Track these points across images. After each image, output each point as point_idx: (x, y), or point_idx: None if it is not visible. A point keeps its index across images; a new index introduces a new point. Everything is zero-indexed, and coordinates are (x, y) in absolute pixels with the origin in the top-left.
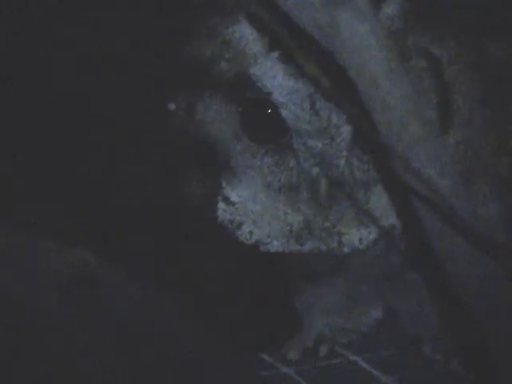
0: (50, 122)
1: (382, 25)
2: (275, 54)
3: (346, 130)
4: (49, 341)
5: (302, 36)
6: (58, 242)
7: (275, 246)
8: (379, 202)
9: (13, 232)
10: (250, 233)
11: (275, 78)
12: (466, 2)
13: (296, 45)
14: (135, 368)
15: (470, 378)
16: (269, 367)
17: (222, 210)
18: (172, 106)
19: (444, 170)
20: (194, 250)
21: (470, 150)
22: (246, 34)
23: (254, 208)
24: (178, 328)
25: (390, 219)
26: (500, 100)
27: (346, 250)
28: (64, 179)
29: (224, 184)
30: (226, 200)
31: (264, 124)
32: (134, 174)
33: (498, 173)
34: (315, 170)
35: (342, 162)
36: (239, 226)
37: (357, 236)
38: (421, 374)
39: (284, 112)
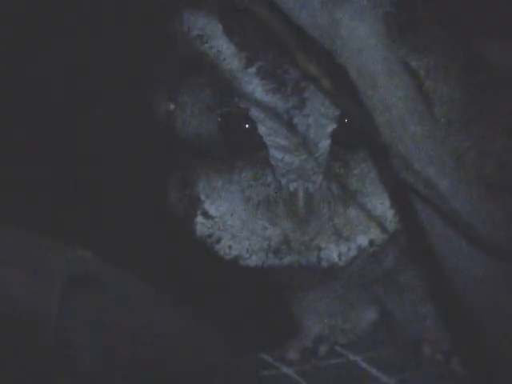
0: (49, 122)
1: (382, 25)
2: (253, 70)
3: (324, 146)
4: (48, 341)
5: (302, 36)
6: (58, 242)
7: (254, 260)
8: (357, 216)
9: (13, 232)
10: (229, 247)
11: (253, 94)
12: (446, 10)
13: (297, 45)
14: (135, 368)
15: (469, 377)
16: (269, 367)
17: (201, 224)
18: (171, 107)
19: (444, 170)
20: (190, 251)
21: (456, 155)
22: (223, 50)
23: (233, 222)
24: (178, 328)
25: (370, 234)
26: (482, 105)
27: (324, 264)
28: (65, 179)
29: (203, 197)
30: (205, 214)
31: (242, 138)
32: (125, 177)
33: (485, 175)
34: (293, 186)
35: (320, 177)
36: (218, 240)
37: (336, 252)
38: (421, 374)
39: (261, 127)
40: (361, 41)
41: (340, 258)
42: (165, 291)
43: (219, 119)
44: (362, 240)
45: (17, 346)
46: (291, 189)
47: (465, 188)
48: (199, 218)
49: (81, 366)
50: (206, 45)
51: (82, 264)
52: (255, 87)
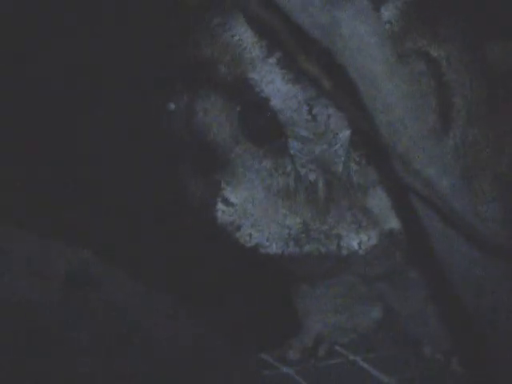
0: (51, 122)
1: (382, 25)
2: (273, 59)
3: (344, 136)
4: (49, 340)
5: (302, 36)
6: (58, 242)
7: (274, 248)
8: (377, 205)
9: (13, 232)
10: (250, 235)
11: (273, 83)
12: (464, 2)
13: (297, 45)
14: (135, 368)
15: (470, 377)
16: (269, 367)
17: (222, 212)
18: (172, 106)
19: (444, 170)
20: (194, 251)
21: (470, 151)
22: (244, 38)
23: (254, 210)
24: (179, 328)
25: (389, 223)
26: (500, 100)
27: (344, 252)
28: (65, 179)
29: (223, 185)
30: (226, 201)
31: (263, 126)
32: (135, 174)
33: (498, 173)
34: (312, 176)
35: (340, 167)
36: (238, 228)
37: (356, 240)
38: (421, 373)
39: (281, 117)
40: (361, 40)
41: (360, 247)
42: (165, 291)
43: (239, 108)
44: (382, 229)
45: (17, 346)
46: (311, 179)
47: (466, 188)
48: (220, 205)
49: (81, 366)
50: (228, 33)
51: (82, 264)
52: (275, 77)
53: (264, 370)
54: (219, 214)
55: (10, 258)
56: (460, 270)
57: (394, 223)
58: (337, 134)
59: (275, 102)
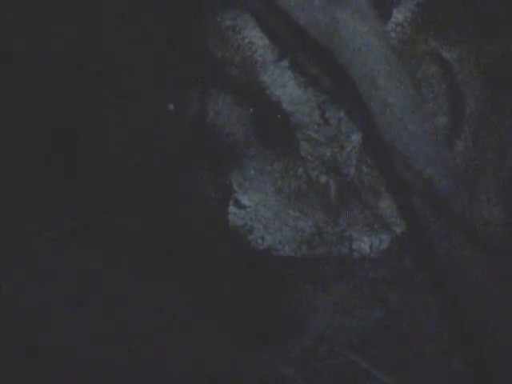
0: (56, 120)
1: (382, 25)
2: (285, 63)
3: (356, 139)
4: (49, 340)
5: (302, 36)
6: (59, 241)
7: (287, 251)
8: (390, 208)
9: (13, 232)
10: (262, 238)
11: (285, 87)
12: (478, 4)
13: (296, 45)
14: (135, 367)
15: (470, 377)
16: (269, 367)
17: (234, 214)
18: (171, 107)
19: (444, 170)
20: (206, 253)
21: (479, 153)
22: (255, 41)
23: (266, 213)
24: (179, 328)
25: (401, 225)
26: (510, 102)
27: (356, 255)
28: (67, 179)
29: (235, 187)
30: (238, 204)
31: (274, 129)
32: (146, 175)
33: (503, 176)
34: (324, 179)
35: (352, 170)
36: (251, 230)
37: (368, 243)
38: (421, 373)
39: (293, 120)
40: (361, 40)
41: (372, 250)
42: (166, 291)
43: (251, 111)
44: (394, 232)
45: (18, 345)
46: (322, 181)
47: (467, 188)
48: (232, 208)
49: (81, 365)
50: (239, 35)
51: (82, 263)
52: (287, 80)
53: (264, 369)
54: (231, 216)
55: (11, 257)
56: (460, 271)
57: (406, 226)
58: (349, 136)
59: (287, 105)
